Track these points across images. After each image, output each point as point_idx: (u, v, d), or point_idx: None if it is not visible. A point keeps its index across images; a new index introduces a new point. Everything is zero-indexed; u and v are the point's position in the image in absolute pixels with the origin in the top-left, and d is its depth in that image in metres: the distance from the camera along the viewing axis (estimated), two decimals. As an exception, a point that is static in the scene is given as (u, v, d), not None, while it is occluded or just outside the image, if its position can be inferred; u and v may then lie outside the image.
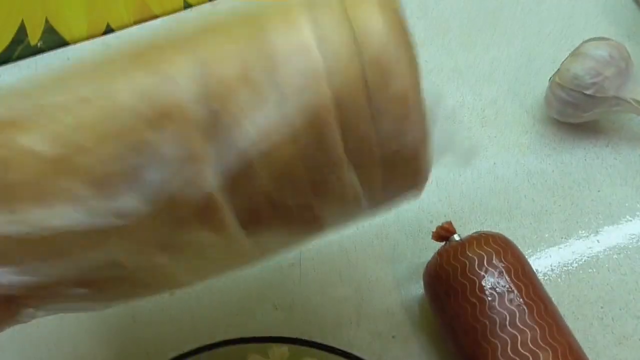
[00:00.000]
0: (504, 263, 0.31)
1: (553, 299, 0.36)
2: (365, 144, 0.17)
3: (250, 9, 0.18)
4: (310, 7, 0.17)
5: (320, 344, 0.30)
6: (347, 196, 0.18)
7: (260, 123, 0.16)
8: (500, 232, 0.34)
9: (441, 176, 0.42)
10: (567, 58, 0.40)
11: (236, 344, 0.29)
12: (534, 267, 0.33)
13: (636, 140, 0.42)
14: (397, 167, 0.18)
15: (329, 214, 0.19)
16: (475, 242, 0.32)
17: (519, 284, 0.30)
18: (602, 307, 0.36)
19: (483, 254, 0.31)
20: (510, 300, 0.30)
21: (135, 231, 0.17)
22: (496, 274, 0.30)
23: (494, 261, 0.31)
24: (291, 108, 0.16)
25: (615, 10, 0.49)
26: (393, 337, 0.36)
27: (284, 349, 0.30)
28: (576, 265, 0.37)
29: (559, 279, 0.37)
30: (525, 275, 0.31)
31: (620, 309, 0.35)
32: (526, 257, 0.33)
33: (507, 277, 0.30)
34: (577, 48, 0.40)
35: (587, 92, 0.38)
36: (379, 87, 0.16)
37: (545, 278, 0.37)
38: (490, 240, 0.32)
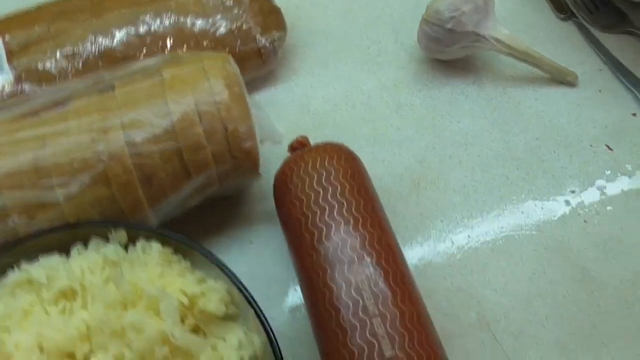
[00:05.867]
0: (337, 165, 0.33)
1: (400, 209, 0.39)
2: (222, 149, 0.34)
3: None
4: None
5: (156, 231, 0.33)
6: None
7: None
8: (365, 155, 0.37)
9: (318, 107, 0.44)
10: (433, -3, 0.42)
11: (78, 228, 0.32)
12: (387, 183, 0.36)
13: (500, 78, 0.45)
14: (241, 160, 0.35)
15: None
16: (314, 149, 0.35)
17: (352, 183, 0.33)
18: (441, 221, 0.39)
19: (318, 157, 0.34)
20: (342, 194, 0.32)
21: None
22: (325, 174, 0.33)
23: (326, 163, 0.33)
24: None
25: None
26: (251, 242, 0.39)
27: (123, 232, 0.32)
28: (424, 180, 0.40)
29: (408, 197, 0.40)
30: (356, 177, 0.34)
31: (457, 222, 0.38)
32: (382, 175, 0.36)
33: (340, 176, 0.33)
34: (442, -13, 0.42)
35: (447, 26, 0.41)
36: (230, 124, 0.34)
37: (395, 193, 0.40)
38: (329, 147, 0.35)
